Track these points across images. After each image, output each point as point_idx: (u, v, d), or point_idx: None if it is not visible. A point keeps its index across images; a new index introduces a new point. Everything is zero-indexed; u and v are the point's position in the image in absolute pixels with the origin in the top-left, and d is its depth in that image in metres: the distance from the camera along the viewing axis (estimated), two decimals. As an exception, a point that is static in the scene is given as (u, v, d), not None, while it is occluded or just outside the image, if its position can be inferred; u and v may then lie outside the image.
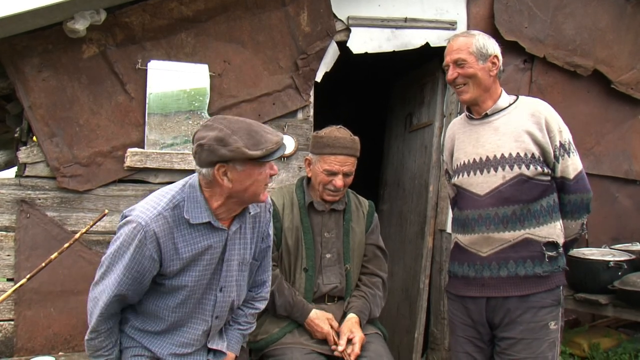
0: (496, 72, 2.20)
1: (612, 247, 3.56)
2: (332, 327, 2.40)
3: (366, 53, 3.38)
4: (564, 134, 2.16)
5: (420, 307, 3.61)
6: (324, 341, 2.38)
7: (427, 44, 3.46)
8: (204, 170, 1.81)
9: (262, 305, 2.21)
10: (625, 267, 3.11)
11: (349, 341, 2.34)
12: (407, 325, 3.76)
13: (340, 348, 2.31)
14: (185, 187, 1.88)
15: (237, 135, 1.75)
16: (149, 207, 1.83)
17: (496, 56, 2.19)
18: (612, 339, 3.73)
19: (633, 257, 3.23)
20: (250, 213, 1.99)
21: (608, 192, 4.02)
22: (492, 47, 2.20)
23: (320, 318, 2.40)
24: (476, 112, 2.26)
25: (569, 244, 2.29)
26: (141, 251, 1.77)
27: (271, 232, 2.18)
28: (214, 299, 1.96)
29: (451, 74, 2.20)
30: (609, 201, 4.03)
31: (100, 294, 1.83)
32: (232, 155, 1.74)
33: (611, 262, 3.12)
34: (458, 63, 2.17)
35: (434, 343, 3.66)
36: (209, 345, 2.04)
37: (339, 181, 2.42)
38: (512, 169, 2.13)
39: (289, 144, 3.19)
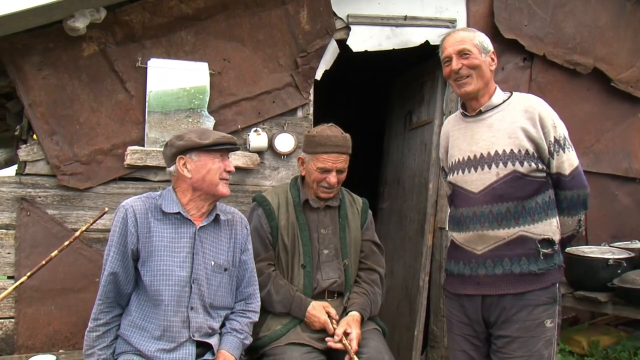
0: (494, 68, 2.22)
1: (612, 244, 3.57)
2: (329, 314, 2.40)
3: (366, 51, 3.39)
4: (559, 130, 2.14)
5: (420, 305, 3.61)
6: (325, 336, 2.38)
7: (427, 42, 3.47)
8: (171, 168, 2.17)
9: (254, 317, 2.33)
10: (625, 264, 3.12)
11: (346, 335, 2.35)
12: (407, 323, 3.76)
13: (336, 337, 2.32)
14: (164, 190, 2.24)
15: (192, 132, 2.17)
16: (134, 197, 2.18)
17: (493, 52, 2.23)
18: (611, 337, 3.73)
19: (632, 254, 3.24)
20: (220, 217, 2.25)
21: (608, 190, 4.02)
22: (489, 44, 2.23)
23: (316, 308, 2.42)
24: (471, 108, 2.27)
25: (566, 241, 2.27)
26: (124, 227, 2.08)
27: (250, 247, 2.36)
28: (189, 289, 2.13)
29: (456, 64, 2.17)
30: (609, 199, 4.03)
31: (101, 279, 2.08)
32: (186, 144, 2.11)
33: (610, 260, 3.13)
34: (463, 54, 2.17)
35: (434, 341, 3.67)
36: (195, 338, 2.12)
37: (332, 178, 2.46)
38: (505, 166, 2.11)
39: (289, 141, 3.19)
